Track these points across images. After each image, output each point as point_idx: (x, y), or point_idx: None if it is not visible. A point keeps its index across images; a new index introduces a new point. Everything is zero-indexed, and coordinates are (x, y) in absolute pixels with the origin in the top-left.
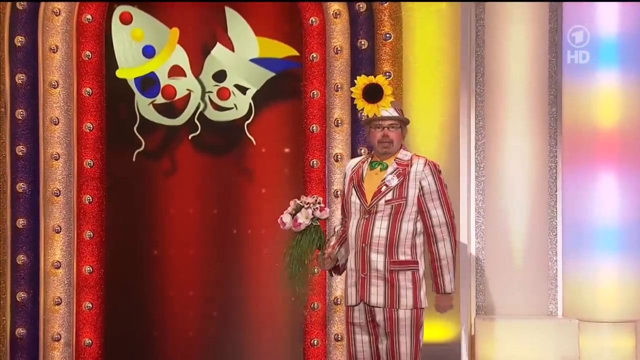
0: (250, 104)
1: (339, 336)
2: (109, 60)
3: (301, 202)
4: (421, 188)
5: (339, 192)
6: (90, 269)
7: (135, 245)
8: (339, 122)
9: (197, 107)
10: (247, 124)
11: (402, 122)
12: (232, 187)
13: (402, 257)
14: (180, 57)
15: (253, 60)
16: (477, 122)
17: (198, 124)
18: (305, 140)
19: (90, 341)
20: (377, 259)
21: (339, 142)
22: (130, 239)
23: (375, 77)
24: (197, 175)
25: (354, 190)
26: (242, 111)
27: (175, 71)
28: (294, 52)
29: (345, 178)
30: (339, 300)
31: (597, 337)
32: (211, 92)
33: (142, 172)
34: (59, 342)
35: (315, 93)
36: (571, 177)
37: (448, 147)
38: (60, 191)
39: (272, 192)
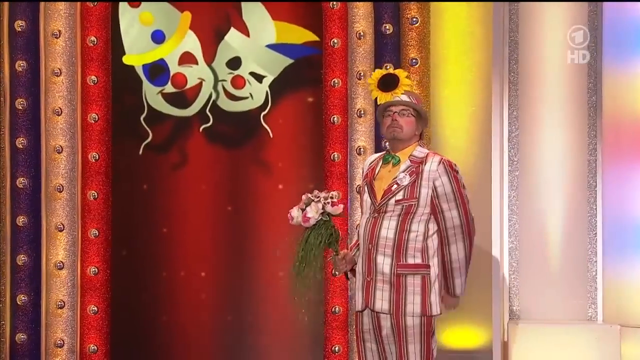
0: (266, 93)
1: None
2: (116, 46)
3: (312, 196)
4: (435, 189)
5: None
6: (96, 269)
7: (143, 245)
8: (362, 112)
9: (210, 97)
10: (264, 115)
11: (416, 112)
12: (247, 182)
13: (410, 260)
14: (192, 43)
15: (270, 46)
16: (510, 112)
17: (210, 115)
18: (326, 132)
19: (95, 347)
20: (384, 262)
21: (362, 134)
22: (138, 237)
23: (394, 69)
24: (209, 170)
25: (366, 188)
26: (258, 101)
27: (187, 58)
28: (314, 38)
29: (363, 175)
30: None
31: None
32: (225, 80)
33: (150, 166)
34: (62, 349)
35: (336, 81)
36: (612, 172)
37: (479, 140)
38: (63, 186)
39: (290, 187)
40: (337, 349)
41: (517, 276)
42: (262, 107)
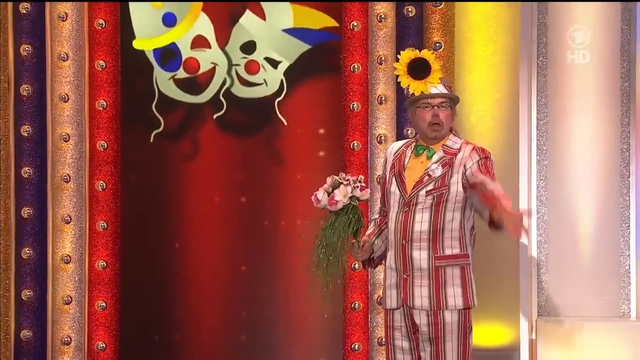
0: (281, 79)
1: (383, 340)
2: (125, 29)
3: (340, 179)
4: (464, 171)
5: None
6: (104, 263)
7: (153, 238)
8: (383, 99)
9: (223, 83)
10: (278, 102)
11: (452, 101)
12: (262, 172)
13: (448, 251)
14: (205, 26)
15: (286, 31)
16: (539, 99)
17: (223, 101)
18: (345, 120)
19: (103, 345)
20: (420, 257)
21: (383, 122)
22: (148, 230)
23: (420, 51)
24: (223, 159)
25: (394, 180)
26: (272, 87)
27: (199, 42)
28: (333, 23)
29: (386, 164)
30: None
31: None
32: (238, 65)
33: (161, 155)
34: (69, 346)
35: (356, 66)
36: None
37: (506, 128)
38: (70, 176)
39: (307, 178)
40: (356, 346)
41: (545, 271)
42: (277, 93)
